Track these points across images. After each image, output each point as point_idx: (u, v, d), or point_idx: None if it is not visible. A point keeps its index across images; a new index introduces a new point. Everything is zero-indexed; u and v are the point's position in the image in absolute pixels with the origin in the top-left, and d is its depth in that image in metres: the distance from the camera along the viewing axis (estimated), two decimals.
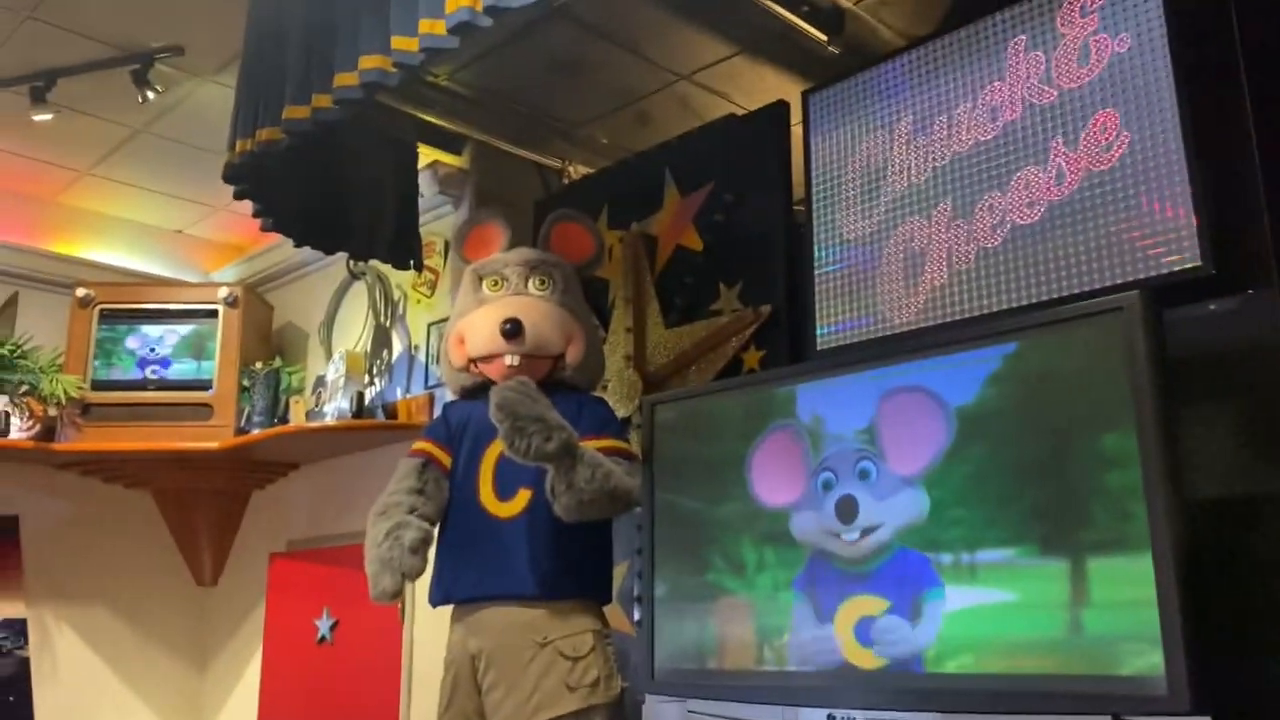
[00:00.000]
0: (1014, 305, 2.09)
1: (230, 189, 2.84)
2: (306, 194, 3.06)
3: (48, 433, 3.64)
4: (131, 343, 3.75)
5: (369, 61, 2.23)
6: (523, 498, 2.28)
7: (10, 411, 3.53)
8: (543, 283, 2.46)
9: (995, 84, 2.22)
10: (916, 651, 1.76)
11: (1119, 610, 1.55)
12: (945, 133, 2.29)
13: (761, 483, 2.09)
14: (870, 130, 2.45)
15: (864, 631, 1.84)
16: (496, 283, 2.48)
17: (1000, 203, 2.16)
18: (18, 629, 3.74)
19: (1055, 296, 2.03)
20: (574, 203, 3.34)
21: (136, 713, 4.01)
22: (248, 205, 4.08)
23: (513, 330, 2.33)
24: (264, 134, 2.52)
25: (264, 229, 3.00)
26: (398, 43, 2.16)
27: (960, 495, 1.76)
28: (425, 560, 2.21)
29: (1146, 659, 1.48)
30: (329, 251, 3.21)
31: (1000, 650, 1.68)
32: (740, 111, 2.99)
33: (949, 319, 2.20)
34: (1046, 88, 2.13)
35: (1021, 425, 1.74)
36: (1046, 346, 1.74)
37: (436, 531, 2.34)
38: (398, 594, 2.23)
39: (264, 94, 2.58)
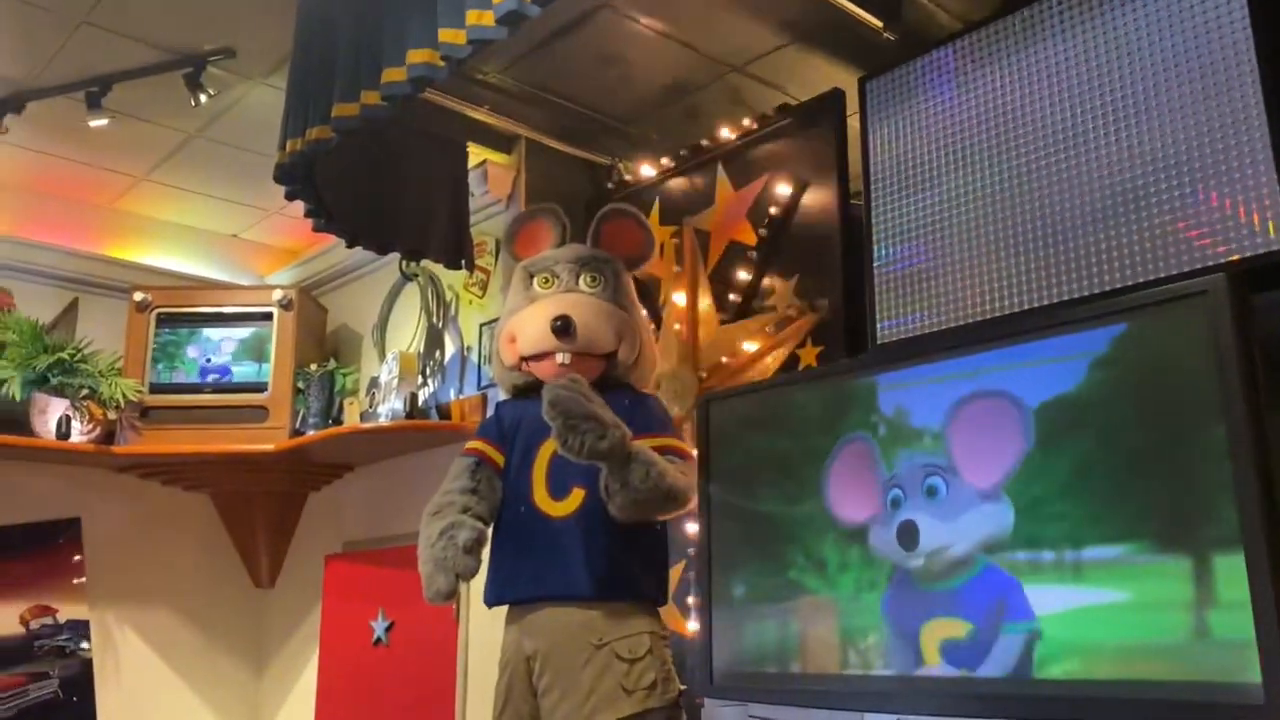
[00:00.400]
0: (1082, 294, 2.01)
1: (283, 192, 2.84)
2: (358, 194, 3.05)
3: (108, 436, 3.68)
4: (188, 346, 3.78)
5: (417, 56, 2.20)
6: (576, 497, 2.24)
7: (71, 415, 3.57)
8: (594, 279, 2.41)
9: (1058, 65, 2.14)
10: (1011, 661, 1.67)
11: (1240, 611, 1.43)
12: (1007, 117, 2.21)
13: (837, 499, 2.02)
14: (929, 117, 2.38)
15: (951, 653, 1.76)
16: (548, 280, 2.44)
17: (1070, 183, 2.07)
18: (81, 630, 3.79)
19: (1128, 284, 1.94)
20: (625, 200, 3.32)
21: (196, 713, 4.05)
22: (301, 208, 4.16)
23: (563, 328, 2.29)
24: (314, 133, 2.51)
25: (316, 229, 2.99)
26: (445, 35, 2.13)
27: (1053, 495, 1.66)
28: (479, 560, 2.19)
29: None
30: (380, 252, 3.20)
31: (1112, 655, 1.57)
32: (793, 103, 2.93)
33: (1013, 311, 2.12)
34: (1113, 67, 2.05)
35: (1120, 415, 1.63)
36: (1144, 331, 1.64)
37: (490, 531, 2.31)
38: (452, 594, 2.19)
39: (313, 93, 2.57)
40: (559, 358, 2.31)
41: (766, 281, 2.78)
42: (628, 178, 3.33)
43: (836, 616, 1.94)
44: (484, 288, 3.52)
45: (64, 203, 3.94)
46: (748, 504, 2.20)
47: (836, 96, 2.72)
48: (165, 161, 3.71)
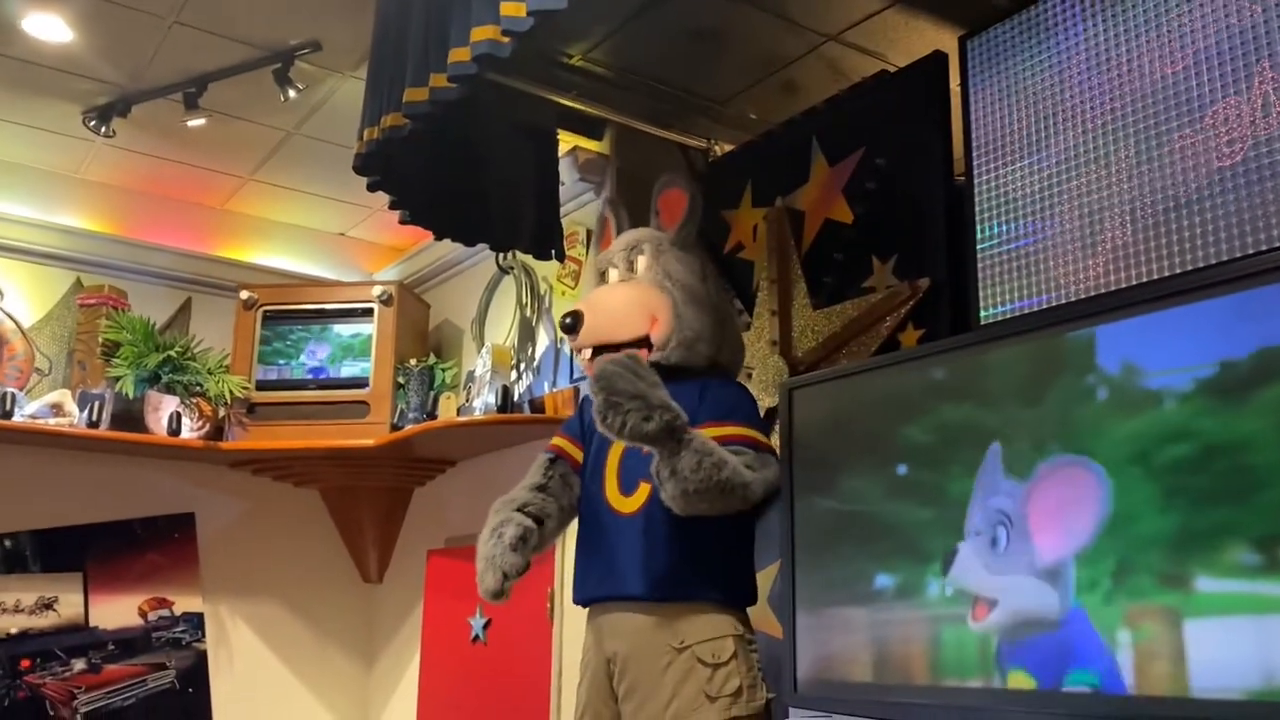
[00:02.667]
0: (1216, 263, 1.77)
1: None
2: (444, 185, 3.00)
3: (217, 432, 3.75)
4: (292, 343, 3.82)
5: (480, 34, 2.12)
6: (643, 492, 2.13)
7: (181, 412, 3.64)
8: (632, 264, 2.34)
9: (1184, 5, 1.90)
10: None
11: None
12: (1125, 68, 1.98)
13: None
14: (1038, 74, 2.17)
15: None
16: (605, 273, 2.40)
17: (1194, 143, 1.84)
18: (195, 622, 3.87)
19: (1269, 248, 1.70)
20: (716, 182, 3.18)
21: (308, 706, 4.10)
22: None
23: (569, 325, 2.24)
24: (388, 120, 2.47)
25: (402, 221, 2.95)
26: (506, 9, 2.05)
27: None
28: (526, 558, 2.12)
29: None
30: (468, 243, 3.14)
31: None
32: (893, 69, 2.74)
33: (1134, 283, 1.90)
34: (1249, 3, 1.80)
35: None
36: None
37: (552, 528, 2.24)
38: (500, 593, 2.12)
39: (388, 81, 2.52)
40: (583, 355, 2.27)
41: (863, 261, 2.59)
42: (719, 158, 3.18)
43: (924, 628, 1.77)
44: (576, 279, 3.44)
45: (175, 205, 4.05)
46: (836, 500, 2.04)
47: (938, 60, 2.51)
48: (267, 161, 3.76)
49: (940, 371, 1.89)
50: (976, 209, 2.21)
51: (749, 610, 2.25)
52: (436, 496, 4.08)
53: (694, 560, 2.14)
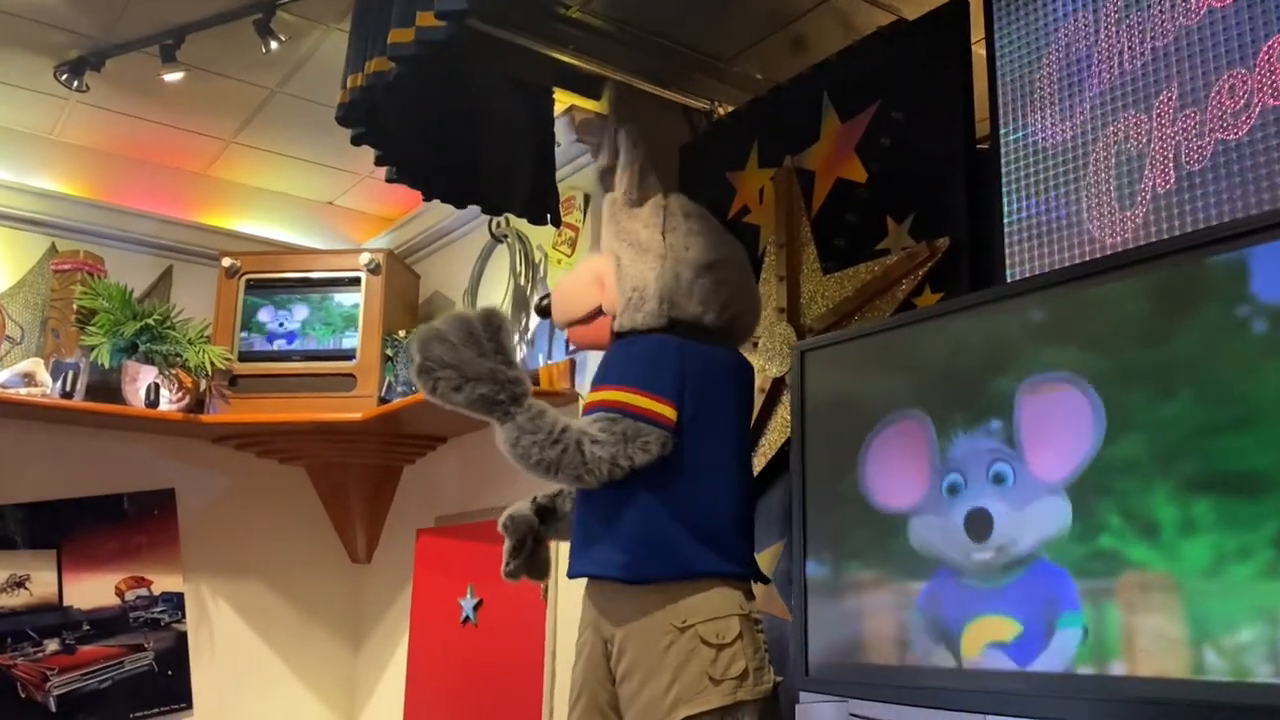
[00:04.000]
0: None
1: (352, 137, 2.66)
2: (434, 143, 2.85)
3: (198, 405, 3.60)
4: (276, 312, 3.67)
5: None
6: None
7: (160, 383, 3.49)
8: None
9: None
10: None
11: None
12: (1168, 2, 1.83)
13: (877, 480, 1.73)
14: (1070, 13, 2.01)
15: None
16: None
17: (1245, 82, 1.69)
18: (175, 602, 3.73)
19: None
20: (721, 142, 3.03)
21: (292, 689, 3.96)
22: None
23: (543, 308, 2.31)
24: (372, 65, 2.32)
25: (389, 179, 2.81)
26: None
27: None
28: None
29: None
30: (459, 205, 2.99)
31: None
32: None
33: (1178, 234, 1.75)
34: None
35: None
36: None
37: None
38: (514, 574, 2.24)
39: (373, 25, 2.37)
40: (564, 335, 2.30)
41: (877, 222, 2.45)
42: (724, 117, 3.02)
43: (899, 610, 1.64)
44: (572, 246, 3.28)
45: (156, 169, 3.88)
46: (847, 474, 1.89)
47: (958, 5, 2.36)
48: (250, 122, 3.60)
49: (963, 329, 1.75)
50: (1003, 162, 2.07)
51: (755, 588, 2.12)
52: (427, 474, 3.94)
53: (693, 531, 2.02)
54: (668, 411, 2.04)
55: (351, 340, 3.60)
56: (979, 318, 1.72)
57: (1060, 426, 1.53)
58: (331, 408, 3.52)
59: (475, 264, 3.74)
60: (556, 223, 3.07)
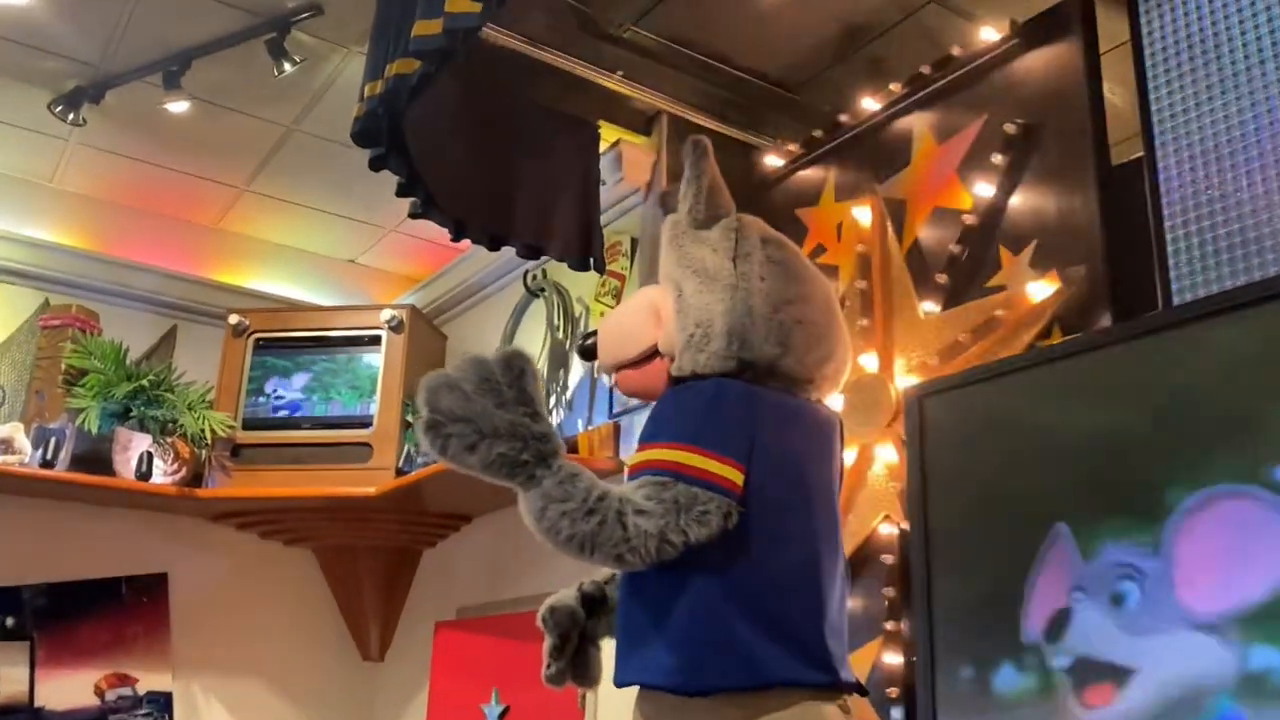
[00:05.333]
0: None
1: (403, 206, 2.33)
2: (465, 177, 2.51)
3: (195, 478, 3.22)
4: (287, 375, 3.30)
5: None
6: None
7: (154, 452, 3.11)
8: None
9: None
10: None
11: None
12: None
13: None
14: None
15: None
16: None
17: None
18: (163, 704, 3.29)
19: None
20: (790, 175, 2.67)
21: None
22: (421, 227, 3.66)
23: (586, 349, 1.89)
24: (394, 67, 1.98)
25: (413, 213, 2.46)
26: None
27: None
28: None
29: None
30: (491, 246, 2.63)
31: None
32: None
33: None
34: None
35: None
36: None
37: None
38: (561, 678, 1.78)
39: (395, 25, 2.04)
40: (613, 381, 1.91)
41: (989, 254, 2.05)
42: (795, 150, 2.65)
43: None
44: (618, 296, 2.91)
45: (162, 220, 3.57)
46: (985, 549, 1.46)
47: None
48: (265, 166, 3.28)
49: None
50: (1161, 171, 1.67)
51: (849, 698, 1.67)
52: (447, 559, 3.51)
53: (767, 627, 1.59)
54: (732, 474, 1.62)
55: (369, 405, 3.22)
56: (1146, 355, 1.31)
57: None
58: (345, 481, 3.12)
59: (508, 322, 3.37)
60: (600, 269, 2.70)
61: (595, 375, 2.92)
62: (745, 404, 1.69)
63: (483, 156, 2.54)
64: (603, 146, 2.78)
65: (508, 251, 3.40)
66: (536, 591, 3.01)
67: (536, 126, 2.64)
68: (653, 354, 1.84)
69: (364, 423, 3.21)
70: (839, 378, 1.93)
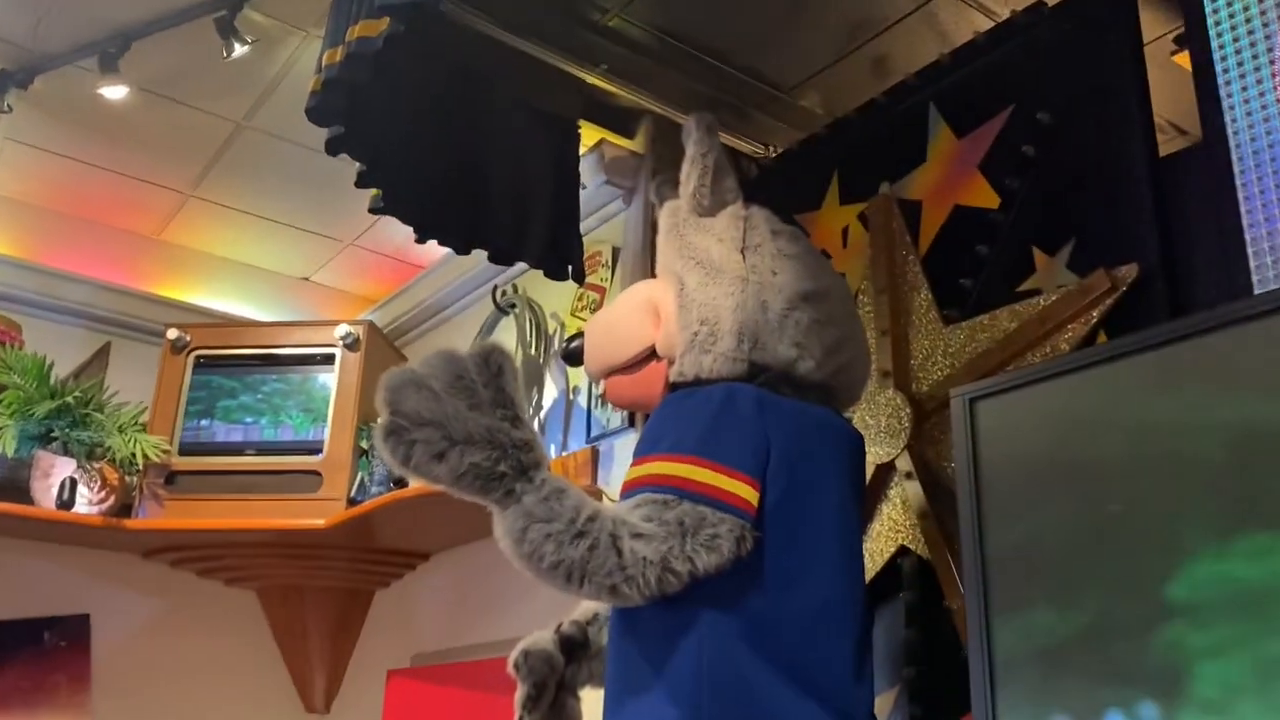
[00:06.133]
0: None
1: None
2: (433, 174, 2.27)
3: (125, 509, 2.91)
4: (230, 397, 3.01)
5: None
6: None
7: (78, 479, 2.81)
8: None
9: None
10: None
11: None
12: None
13: None
14: None
15: None
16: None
17: None
18: None
19: None
20: (789, 178, 2.46)
21: None
22: (381, 241, 3.44)
23: (570, 352, 1.72)
24: (357, 30, 1.74)
25: (373, 208, 2.21)
26: None
27: None
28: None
29: None
30: (460, 249, 2.39)
31: None
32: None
33: None
34: None
35: None
36: None
37: None
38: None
39: None
40: (601, 389, 1.74)
41: (1019, 256, 1.85)
42: (792, 147, 2.45)
43: None
44: (597, 309, 2.67)
45: (97, 227, 3.28)
46: (1054, 581, 1.23)
47: None
48: (213, 167, 3.02)
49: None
50: (1234, 149, 1.47)
51: None
52: (402, 601, 3.21)
53: (785, 671, 1.36)
54: (745, 491, 1.40)
55: (321, 430, 2.94)
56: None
57: None
58: (291, 513, 2.83)
59: (475, 340, 3.11)
60: (579, 278, 2.46)
61: (570, 396, 2.67)
62: (756, 411, 1.46)
63: (452, 150, 2.30)
64: (584, 147, 2.56)
65: (472, 269, 3.21)
66: (502, 637, 2.74)
67: (511, 121, 2.42)
68: (649, 357, 1.62)
69: (314, 449, 2.92)
70: (860, 388, 1.71)
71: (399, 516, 2.69)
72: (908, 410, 1.87)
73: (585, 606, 1.75)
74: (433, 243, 3.46)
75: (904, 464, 1.86)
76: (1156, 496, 1.06)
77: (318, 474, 2.89)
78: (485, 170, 2.37)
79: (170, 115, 2.77)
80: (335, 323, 3.05)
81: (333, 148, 2.00)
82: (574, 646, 1.71)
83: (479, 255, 3.03)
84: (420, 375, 1.38)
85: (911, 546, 1.84)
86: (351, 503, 2.80)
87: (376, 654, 3.22)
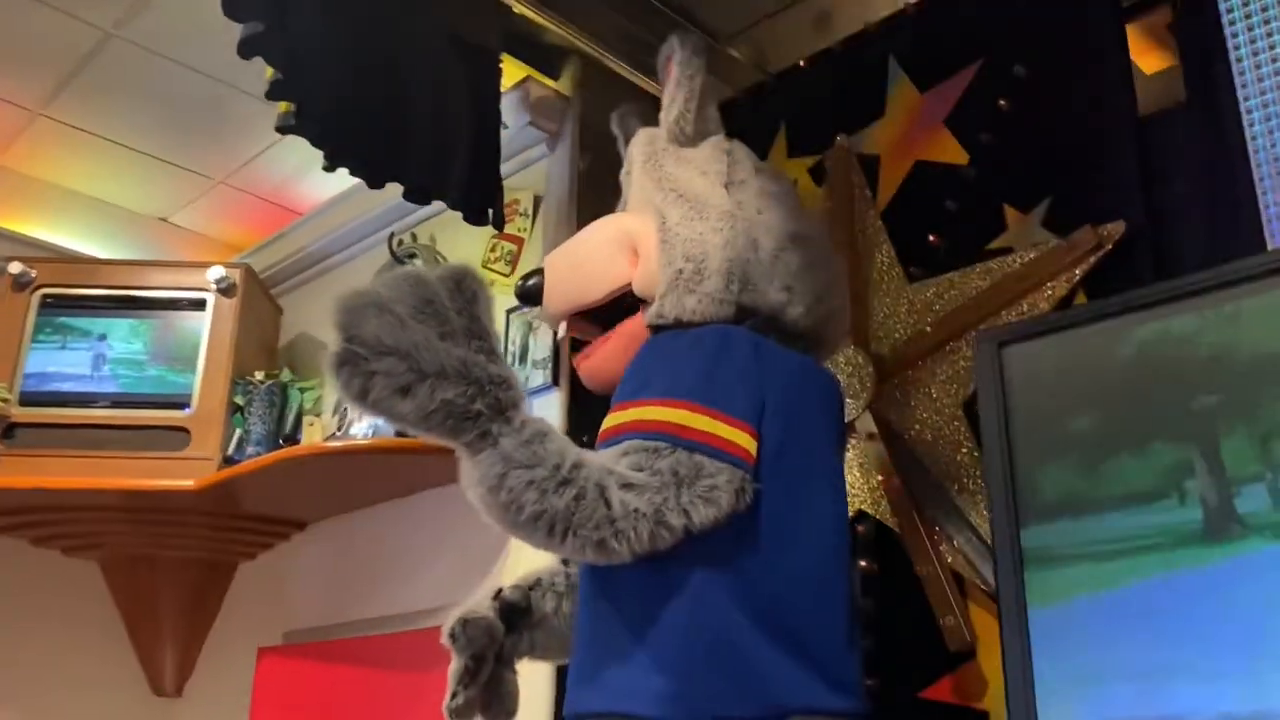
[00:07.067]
0: None
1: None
2: (346, 94, 2.03)
3: None
4: (82, 341, 2.67)
5: None
6: None
7: None
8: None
9: None
10: None
11: None
12: None
13: None
14: None
15: None
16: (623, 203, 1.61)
17: None
18: None
19: None
20: (729, 130, 2.34)
21: None
22: (256, 181, 3.14)
23: (527, 291, 1.52)
24: None
25: (280, 126, 1.95)
26: None
27: None
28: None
29: None
30: (374, 182, 2.15)
31: None
32: None
33: None
34: None
35: None
36: None
37: None
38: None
39: None
40: (561, 334, 1.55)
41: (988, 212, 1.78)
42: (736, 97, 2.33)
43: None
44: (513, 262, 2.49)
45: None
46: (1091, 542, 1.15)
47: None
48: (70, 83, 2.66)
49: None
50: (1241, 94, 1.43)
51: None
52: (273, 574, 2.94)
53: (780, 638, 1.24)
54: (744, 440, 1.27)
55: (188, 382, 2.64)
56: None
57: None
58: (153, 473, 2.53)
59: None
60: (500, 224, 2.28)
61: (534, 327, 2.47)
62: (756, 358, 1.33)
63: (372, 73, 2.08)
64: (507, 84, 2.37)
65: (361, 215, 2.96)
66: (386, 613, 2.55)
67: (432, 47, 2.21)
68: (623, 296, 1.46)
69: (180, 403, 2.63)
70: (841, 340, 1.61)
71: (283, 481, 2.44)
72: (869, 369, 1.79)
73: (530, 570, 1.60)
74: (314, 187, 3.24)
75: (865, 425, 1.77)
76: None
77: (185, 430, 2.60)
78: (404, 98, 2.14)
79: (26, 17, 2.41)
80: (208, 264, 2.75)
81: (246, 48, 1.75)
82: (516, 614, 1.54)
83: (367, 201, 2.83)
84: (382, 297, 1.19)
85: (870, 511, 1.76)
86: (228, 462, 2.52)
87: (239, 632, 2.93)
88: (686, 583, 1.25)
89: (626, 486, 1.21)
